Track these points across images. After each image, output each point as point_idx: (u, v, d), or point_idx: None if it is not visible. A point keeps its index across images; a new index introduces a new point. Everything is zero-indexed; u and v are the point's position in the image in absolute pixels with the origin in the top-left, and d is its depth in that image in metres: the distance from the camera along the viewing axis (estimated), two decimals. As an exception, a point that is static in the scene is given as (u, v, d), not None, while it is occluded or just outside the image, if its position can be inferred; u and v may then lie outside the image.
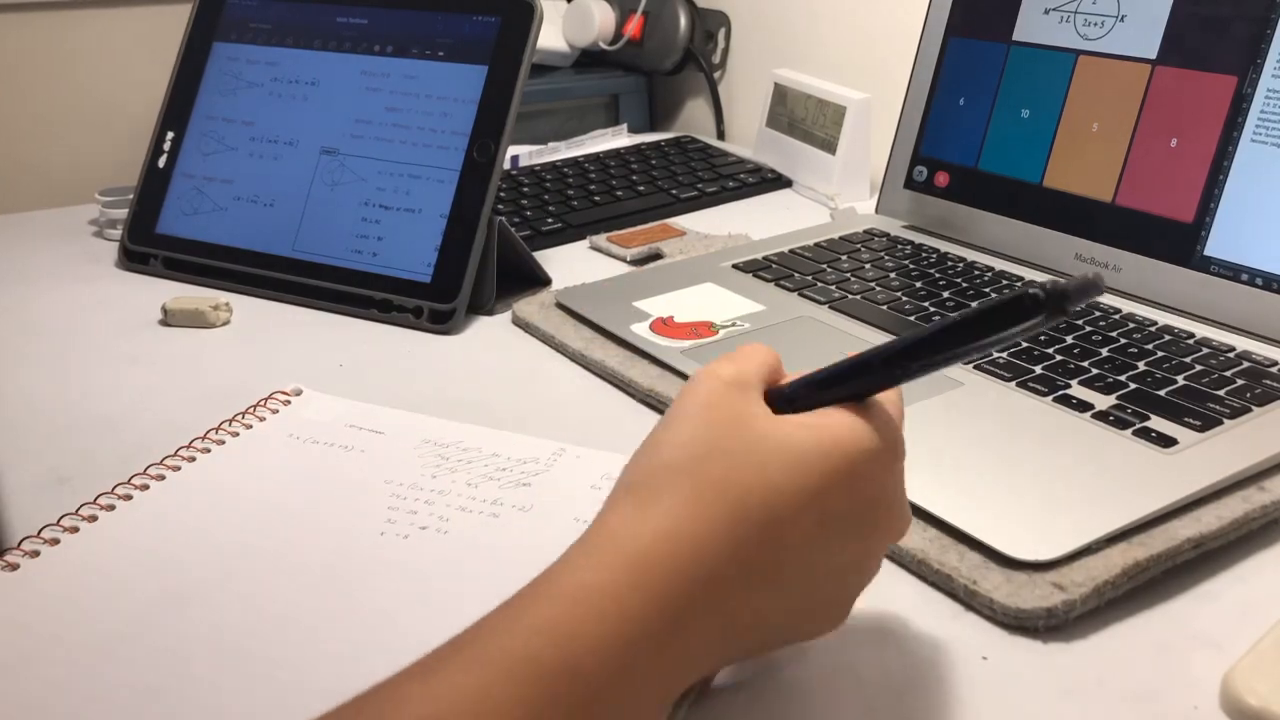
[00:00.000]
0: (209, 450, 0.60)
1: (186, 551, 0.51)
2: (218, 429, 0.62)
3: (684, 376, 0.65)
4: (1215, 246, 0.70)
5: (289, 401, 0.65)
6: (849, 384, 0.38)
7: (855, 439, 0.37)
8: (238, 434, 0.61)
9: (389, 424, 0.62)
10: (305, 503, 0.55)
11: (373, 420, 0.63)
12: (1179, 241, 0.71)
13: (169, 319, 0.78)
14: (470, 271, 0.77)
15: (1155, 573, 0.47)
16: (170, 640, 0.45)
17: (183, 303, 0.78)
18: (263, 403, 0.65)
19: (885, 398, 0.39)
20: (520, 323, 0.77)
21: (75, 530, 0.52)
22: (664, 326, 0.71)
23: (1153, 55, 0.74)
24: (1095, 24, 0.77)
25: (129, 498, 0.55)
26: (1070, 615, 0.45)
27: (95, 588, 0.48)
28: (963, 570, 0.47)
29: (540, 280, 0.84)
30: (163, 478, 0.57)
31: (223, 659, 0.44)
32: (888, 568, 0.49)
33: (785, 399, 0.39)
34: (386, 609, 0.47)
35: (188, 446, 0.60)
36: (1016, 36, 0.82)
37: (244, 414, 0.63)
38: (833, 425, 0.37)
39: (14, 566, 0.49)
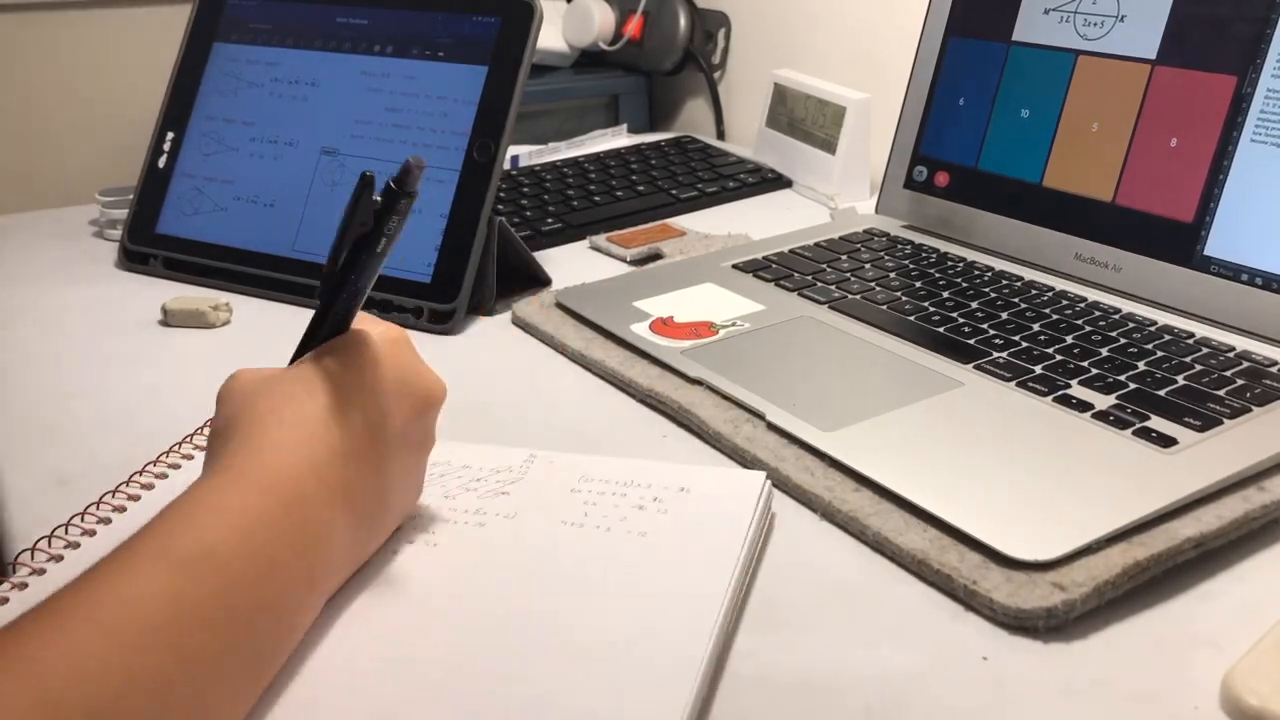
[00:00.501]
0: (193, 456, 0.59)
1: None
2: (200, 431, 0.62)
3: (685, 376, 0.65)
4: (1215, 246, 0.70)
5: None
6: (321, 332, 0.48)
7: (358, 340, 0.47)
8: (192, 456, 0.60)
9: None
10: None
11: None
12: (1179, 241, 0.71)
13: (169, 319, 0.78)
14: (470, 272, 0.77)
15: (1155, 572, 0.47)
16: None
17: (183, 303, 0.78)
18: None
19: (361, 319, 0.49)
20: (520, 323, 0.77)
21: (92, 533, 0.52)
22: (664, 326, 0.71)
23: (1153, 55, 0.74)
24: (1095, 24, 0.77)
25: (137, 498, 0.55)
26: (1070, 615, 0.45)
27: None
28: (963, 570, 0.47)
29: (540, 280, 0.84)
30: (165, 476, 0.57)
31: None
32: (888, 567, 0.50)
33: (298, 354, 0.48)
34: (394, 622, 0.46)
35: (182, 443, 0.60)
36: (1016, 36, 0.82)
37: None
38: (338, 343, 0.47)
39: (22, 586, 0.48)
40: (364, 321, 0.49)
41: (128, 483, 0.56)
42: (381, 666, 0.43)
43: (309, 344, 0.48)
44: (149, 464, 0.58)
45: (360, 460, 0.45)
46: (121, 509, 0.54)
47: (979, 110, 0.84)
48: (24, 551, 0.50)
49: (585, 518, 0.52)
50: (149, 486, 0.56)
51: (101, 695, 0.33)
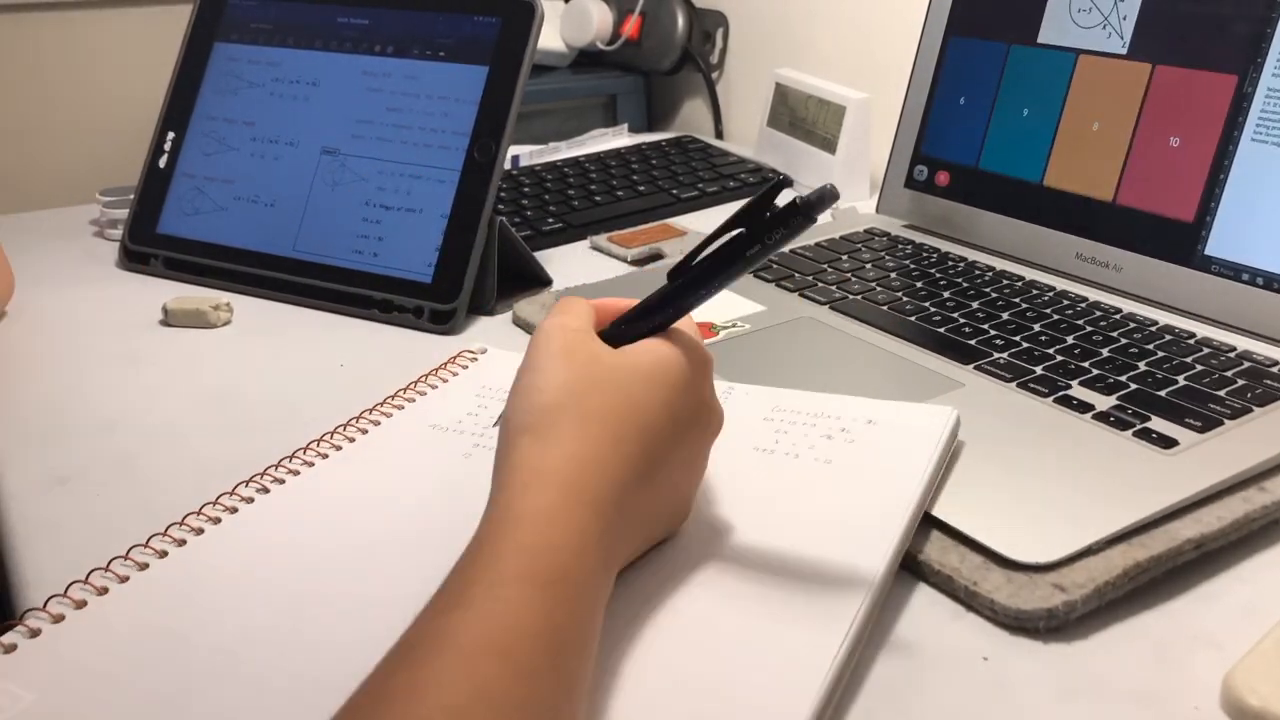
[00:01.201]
0: (401, 407, 0.63)
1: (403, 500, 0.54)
2: (408, 389, 0.65)
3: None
4: (1216, 246, 0.70)
5: (476, 358, 0.69)
6: (656, 316, 0.47)
7: (681, 354, 0.46)
8: (425, 393, 0.64)
9: None
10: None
11: None
12: (1180, 241, 0.71)
13: (169, 319, 0.78)
14: (471, 272, 0.77)
15: (1156, 573, 0.47)
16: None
17: (183, 303, 0.78)
18: (447, 365, 0.68)
19: (683, 325, 0.48)
20: (521, 323, 0.77)
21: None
22: (664, 327, 0.71)
23: (1153, 54, 0.74)
24: (1095, 23, 0.77)
25: (311, 464, 0.57)
26: (1071, 616, 0.45)
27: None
28: (963, 571, 0.47)
29: (541, 280, 0.84)
30: (339, 448, 0.59)
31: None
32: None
33: (610, 338, 0.47)
34: None
35: (380, 405, 0.63)
36: (1017, 36, 0.82)
37: (431, 374, 0.67)
38: (662, 348, 0.46)
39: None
40: (686, 326, 0.48)
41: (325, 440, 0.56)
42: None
43: (635, 321, 0.47)
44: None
45: (653, 479, 0.45)
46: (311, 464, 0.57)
47: (979, 109, 0.84)
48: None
49: (776, 444, 0.55)
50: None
51: None
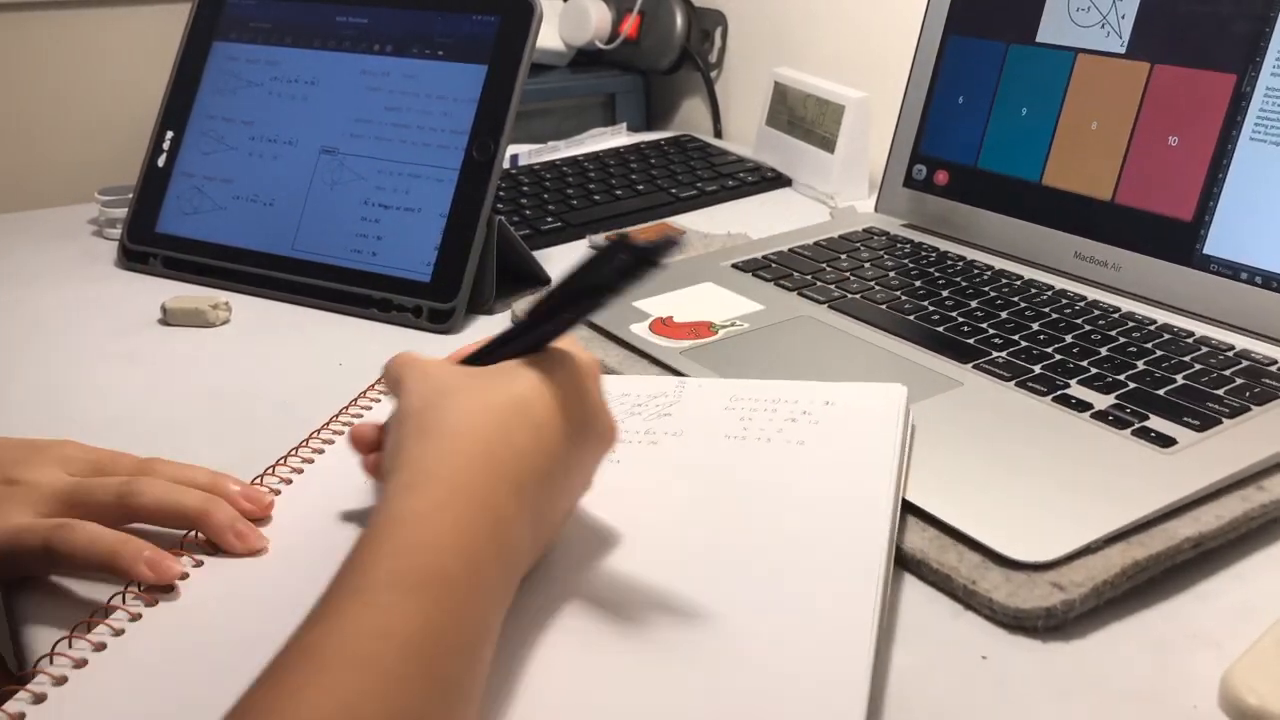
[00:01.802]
0: (360, 416, 0.62)
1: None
2: (357, 400, 0.63)
3: (684, 377, 0.65)
4: (1214, 245, 0.70)
5: (372, 407, 0.66)
6: (524, 338, 0.46)
7: (560, 360, 0.45)
8: (380, 401, 0.63)
9: None
10: None
11: None
12: (1178, 240, 0.71)
13: (168, 318, 0.78)
14: (470, 271, 0.77)
15: (1154, 572, 0.47)
16: None
17: (182, 302, 0.78)
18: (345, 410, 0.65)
19: (553, 344, 0.47)
20: (520, 322, 0.77)
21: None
22: (663, 327, 0.71)
23: (1152, 54, 0.74)
24: (1094, 22, 0.77)
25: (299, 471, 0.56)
26: (1069, 615, 0.45)
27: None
28: (962, 570, 0.47)
29: (540, 279, 0.84)
30: (320, 452, 0.58)
31: None
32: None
33: (476, 359, 0.47)
34: (599, 528, 0.50)
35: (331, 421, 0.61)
36: (1016, 35, 0.82)
37: (378, 383, 0.65)
38: (537, 358, 0.45)
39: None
40: (561, 342, 0.47)
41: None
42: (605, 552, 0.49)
43: (496, 351, 0.47)
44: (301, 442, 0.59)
45: (549, 482, 0.44)
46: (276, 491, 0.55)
47: (978, 109, 0.84)
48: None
49: (745, 431, 0.55)
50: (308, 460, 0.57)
51: None
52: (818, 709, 0.39)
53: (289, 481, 0.56)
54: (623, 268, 0.42)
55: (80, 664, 0.44)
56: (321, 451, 0.58)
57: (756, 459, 0.54)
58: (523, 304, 0.78)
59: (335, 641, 0.34)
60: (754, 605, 0.45)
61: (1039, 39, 0.81)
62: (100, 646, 0.44)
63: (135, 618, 0.46)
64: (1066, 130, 0.79)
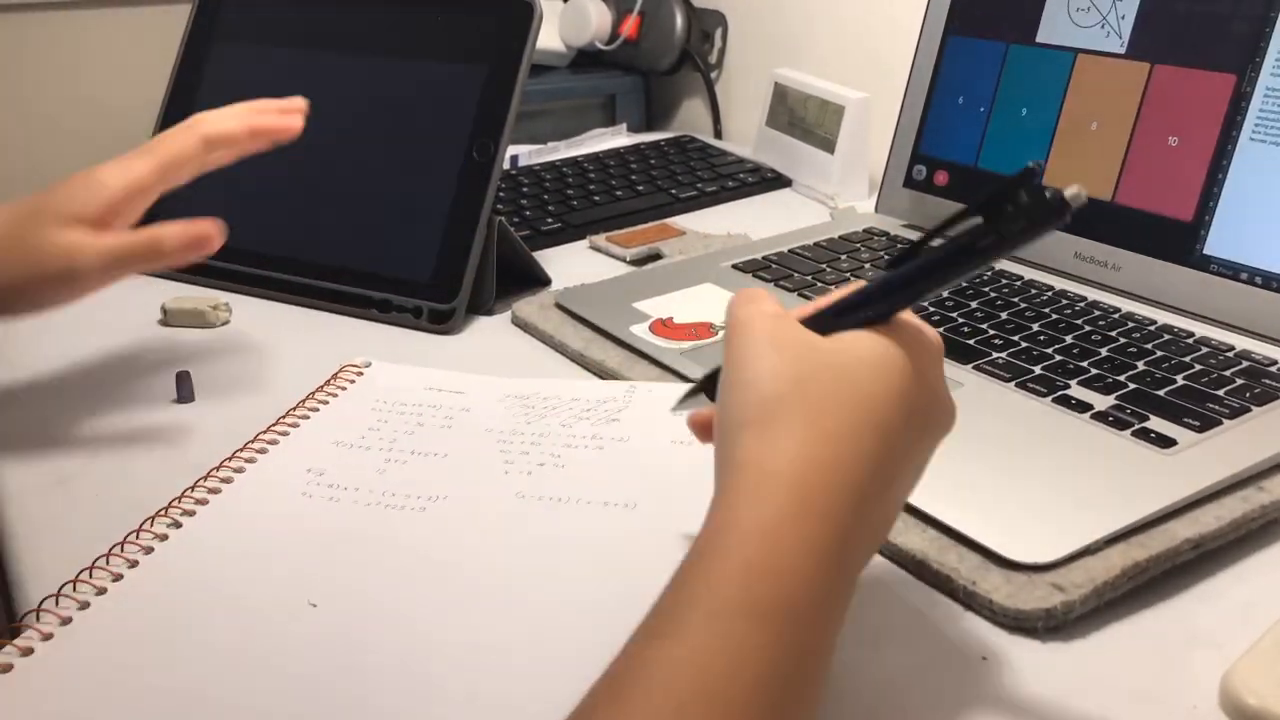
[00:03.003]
0: (297, 425, 0.61)
1: (326, 523, 0.53)
2: (297, 407, 0.63)
3: (684, 378, 0.65)
4: (1214, 245, 0.70)
5: (361, 373, 0.68)
6: (876, 306, 0.41)
7: (907, 341, 0.40)
8: (318, 409, 0.63)
9: (464, 384, 0.66)
10: (419, 456, 0.58)
11: (448, 383, 0.67)
12: (1178, 240, 0.71)
13: (168, 319, 0.78)
14: (470, 271, 0.77)
15: (1155, 573, 0.47)
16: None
17: (182, 303, 0.78)
18: (334, 379, 0.67)
19: (902, 315, 0.42)
20: (520, 323, 0.77)
21: (176, 526, 0.52)
22: (663, 328, 0.71)
23: (1152, 54, 0.74)
24: (1094, 23, 0.77)
25: (218, 490, 0.56)
26: (1070, 616, 0.45)
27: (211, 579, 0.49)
28: (962, 571, 0.47)
29: (540, 280, 0.84)
30: (252, 461, 0.58)
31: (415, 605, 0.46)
32: (888, 568, 0.50)
33: (816, 328, 0.41)
34: (540, 536, 0.51)
35: (275, 424, 0.62)
36: (1016, 35, 0.82)
37: (319, 390, 0.66)
38: (883, 334, 0.40)
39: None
40: (907, 316, 0.42)
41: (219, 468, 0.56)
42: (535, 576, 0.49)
43: (842, 314, 0.42)
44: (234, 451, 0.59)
45: (883, 490, 0.39)
46: (204, 501, 0.55)
47: (978, 109, 0.84)
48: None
49: (692, 436, 0.55)
50: (227, 480, 0.57)
51: None
52: None
53: (264, 451, 0.57)
54: (1019, 222, 0.36)
55: (66, 621, 0.45)
56: (286, 434, 0.59)
57: (700, 465, 0.52)
58: (523, 305, 0.78)
59: (684, 669, 0.32)
60: None
61: (1039, 39, 0.81)
62: (84, 605, 0.46)
63: (117, 578, 0.48)
64: (1066, 130, 0.79)
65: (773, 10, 1.27)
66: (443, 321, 0.77)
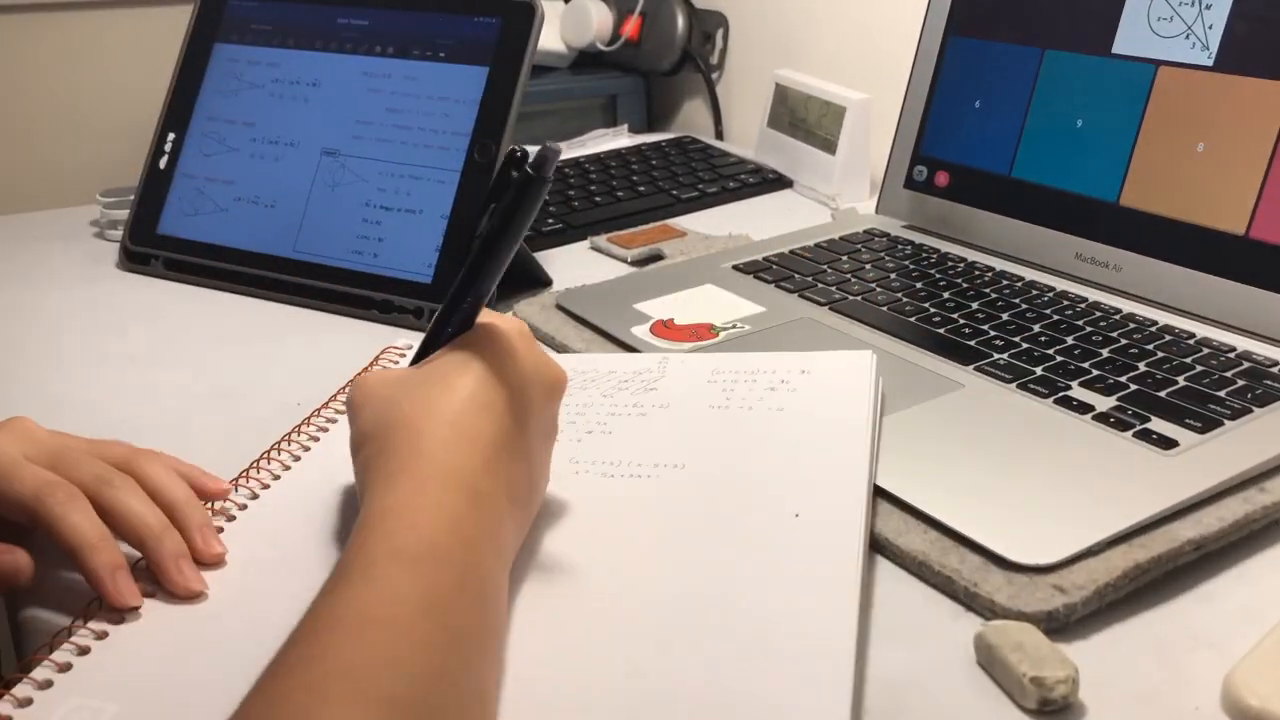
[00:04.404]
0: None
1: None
2: (345, 389, 0.65)
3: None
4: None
5: (404, 355, 0.70)
6: (452, 321, 0.48)
7: (486, 333, 0.48)
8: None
9: None
10: None
11: None
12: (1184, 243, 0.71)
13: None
14: (471, 272, 0.77)
15: (1156, 574, 0.47)
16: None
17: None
18: (376, 360, 0.69)
19: (480, 317, 0.49)
20: (521, 324, 0.77)
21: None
22: (664, 329, 0.71)
23: (1152, 54, 0.74)
24: (1101, 21, 0.77)
25: (288, 467, 0.57)
26: (1071, 618, 0.45)
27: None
28: (963, 572, 0.47)
29: (541, 281, 0.84)
30: (315, 439, 0.60)
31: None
32: (889, 568, 0.50)
33: (418, 358, 0.49)
34: (598, 497, 0.53)
35: (329, 403, 0.63)
36: (1016, 35, 0.82)
37: (365, 370, 0.67)
38: (465, 340, 0.48)
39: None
40: (484, 316, 0.50)
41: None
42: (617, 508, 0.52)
43: (434, 343, 0.49)
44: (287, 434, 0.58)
45: (511, 450, 0.46)
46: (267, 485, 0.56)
47: (979, 109, 0.84)
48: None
49: (728, 401, 0.59)
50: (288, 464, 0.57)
51: (410, 687, 0.35)
52: (806, 665, 0.41)
53: (267, 486, 0.56)
54: (511, 202, 0.43)
55: (83, 651, 0.44)
56: (298, 458, 0.59)
57: (740, 427, 0.57)
58: (524, 306, 0.78)
59: (356, 607, 0.37)
60: (745, 566, 0.47)
61: (1040, 39, 0.81)
62: (103, 634, 0.45)
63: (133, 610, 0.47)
64: (1068, 131, 0.79)
65: (774, 11, 1.27)
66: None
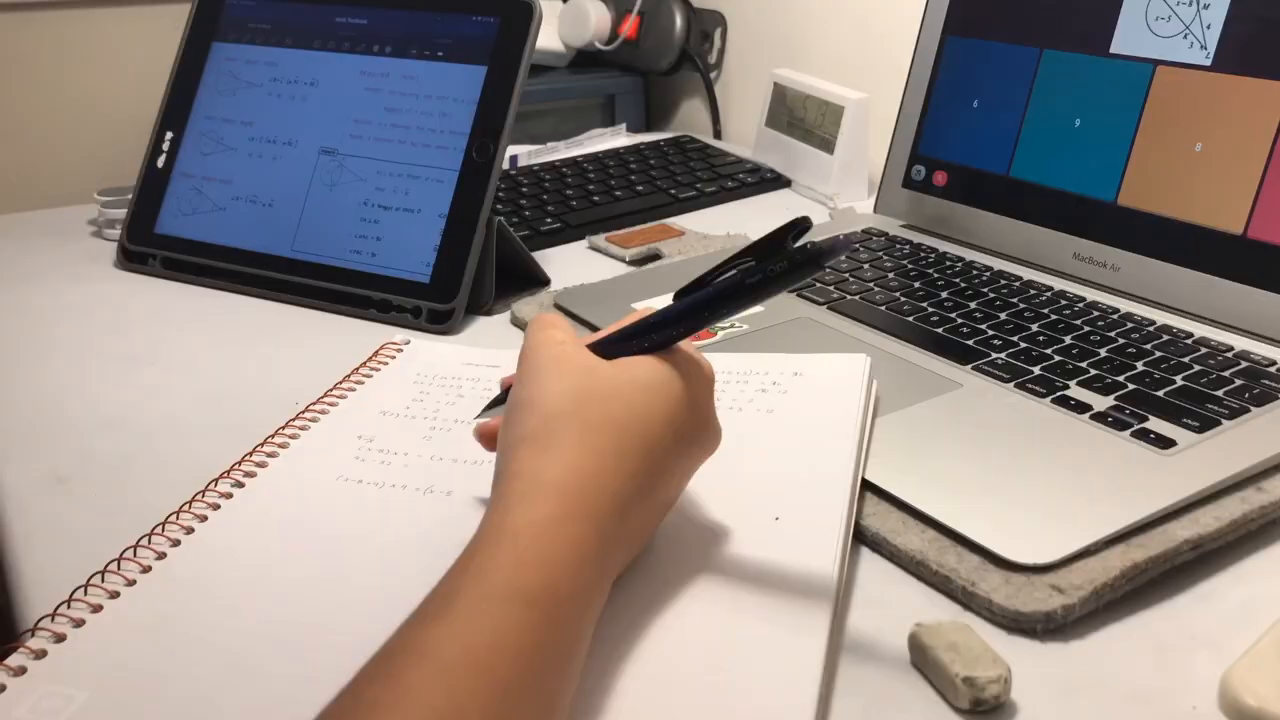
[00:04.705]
0: (345, 397, 0.64)
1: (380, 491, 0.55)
2: (343, 381, 0.66)
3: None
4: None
5: (401, 350, 0.71)
6: (655, 335, 0.46)
7: (682, 367, 0.46)
8: (363, 383, 0.66)
9: (499, 359, 0.69)
10: (463, 424, 0.61)
11: (484, 358, 0.69)
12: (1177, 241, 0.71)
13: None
14: (469, 272, 0.77)
15: (1154, 574, 0.47)
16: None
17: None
18: (375, 356, 0.70)
19: (681, 344, 0.47)
20: (519, 323, 0.77)
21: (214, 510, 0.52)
22: (663, 327, 0.71)
23: (1150, 53, 0.74)
24: (1099, 21, 0.77)
25: (264, 465, 0.58)
26: (1069, 619, 0.45)
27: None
28: (961, 572, 0.47)
29: (539, 280, 0.84)
30: (305, 429, 0.61)
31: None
32: (887, 568, 0.50)
33: (601, 353, 0.46)
34: None
35: (324, 396, 0.64)
36: (1014, 35, 0.82)
37: (362, 367, 0.68)
38: (660, 360, 0.45)
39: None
40: (685, 345, 0.47)
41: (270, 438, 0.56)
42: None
43: (627, 341, 0.46)
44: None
45: (651, 497, 0.44)
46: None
47: (978, 109, 0.84)
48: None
49: (718, 401, 0.58)
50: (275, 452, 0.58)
51: None
52: (776, 667, 0.41)
53: (253, 475, 0.57)
54: (781, 271, 0.41)
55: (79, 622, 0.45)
56: (286, 446, 0.59)
57: (728, 427, 0.56)
58: (522, 305, 0.78)
59: (455, 646, 0.34)
60: (722, 567, 0.47)
61: (1040, 40, 0.81)
62: (97, 608, 0.46)
63: (130, 583, 0.48)
64: (1068, 130, 0.79)
65: (772, 10, 1.27)
66: (442, 322, 0.77)
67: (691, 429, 0.45)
